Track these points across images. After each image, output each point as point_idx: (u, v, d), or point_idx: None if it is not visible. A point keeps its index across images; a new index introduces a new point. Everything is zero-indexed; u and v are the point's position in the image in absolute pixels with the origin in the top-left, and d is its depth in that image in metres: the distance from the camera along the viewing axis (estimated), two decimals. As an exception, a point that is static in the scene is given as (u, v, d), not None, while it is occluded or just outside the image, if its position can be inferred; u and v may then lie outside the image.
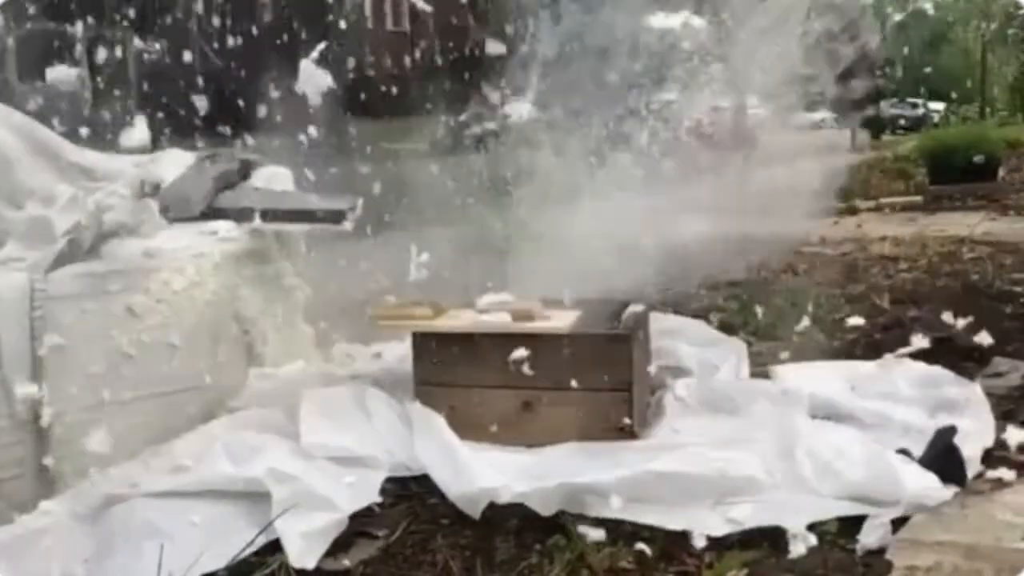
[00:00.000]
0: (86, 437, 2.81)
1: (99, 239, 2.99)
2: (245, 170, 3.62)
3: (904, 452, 2.82)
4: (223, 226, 3.33)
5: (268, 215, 3.37)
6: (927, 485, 2.67)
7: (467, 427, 3.05)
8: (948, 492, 2.66)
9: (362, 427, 3.09)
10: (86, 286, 2.94)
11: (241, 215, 3.36)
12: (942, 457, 2.78)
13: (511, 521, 2.67)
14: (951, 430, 2.84)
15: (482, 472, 2.82)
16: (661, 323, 3.80)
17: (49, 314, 2.85)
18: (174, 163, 3.67)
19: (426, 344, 3.21)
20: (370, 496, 2.81)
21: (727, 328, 4.20)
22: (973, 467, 2.80)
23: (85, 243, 2.97)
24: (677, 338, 3.78)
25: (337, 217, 3.43)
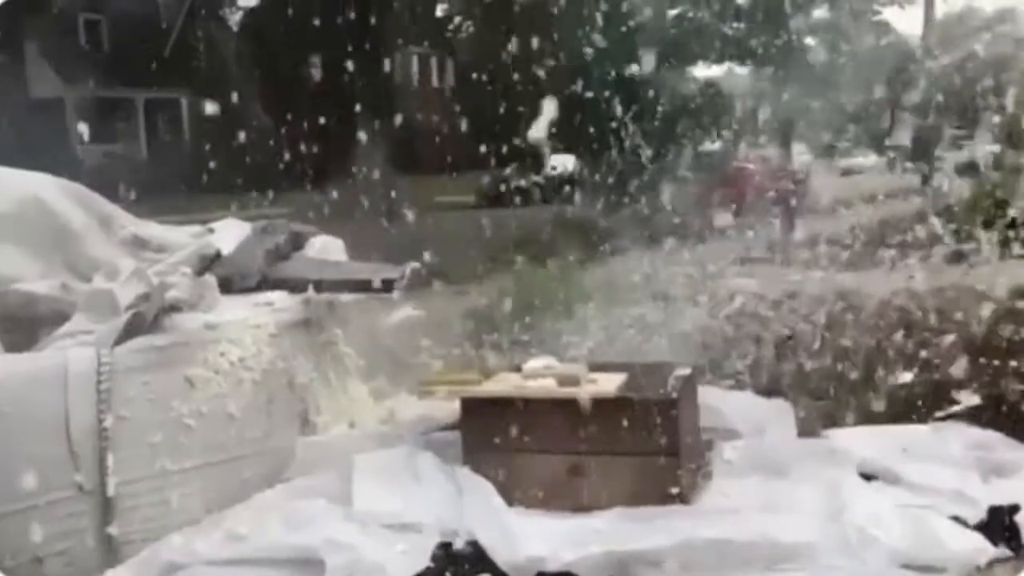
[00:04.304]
0: (148, 506, 2.90)
1: (161, 313, 3.11)
2: (299, 240, 3.73)
3: (958, 520, 2.79)
4: (278, 296, 3.43)
5: (321, 286, 3.47)
6: (975, 546, 2.65)
7: (515, 492, 3.08)
8: (997, 551, 2.63)
9: (413, 493, 3.14)
10: (148, 359, 3.04)
11: (295, 285, 3.46)
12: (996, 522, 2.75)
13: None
14: (1013, 508, 2.80)
15: (530, 540, 2.84)
16: (704, 397, 3.75)
17: (114, 386, 2.97)
18: (230, 233, 3.81)
19: (474, 409, 3.27)
20: (422, 562, 2.85)
21: (773, 386, 4.18)
22: (1028, 532, 2.76)
23: (148, 316, 3.08)
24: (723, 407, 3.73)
25: (387, 286, 3.52)
